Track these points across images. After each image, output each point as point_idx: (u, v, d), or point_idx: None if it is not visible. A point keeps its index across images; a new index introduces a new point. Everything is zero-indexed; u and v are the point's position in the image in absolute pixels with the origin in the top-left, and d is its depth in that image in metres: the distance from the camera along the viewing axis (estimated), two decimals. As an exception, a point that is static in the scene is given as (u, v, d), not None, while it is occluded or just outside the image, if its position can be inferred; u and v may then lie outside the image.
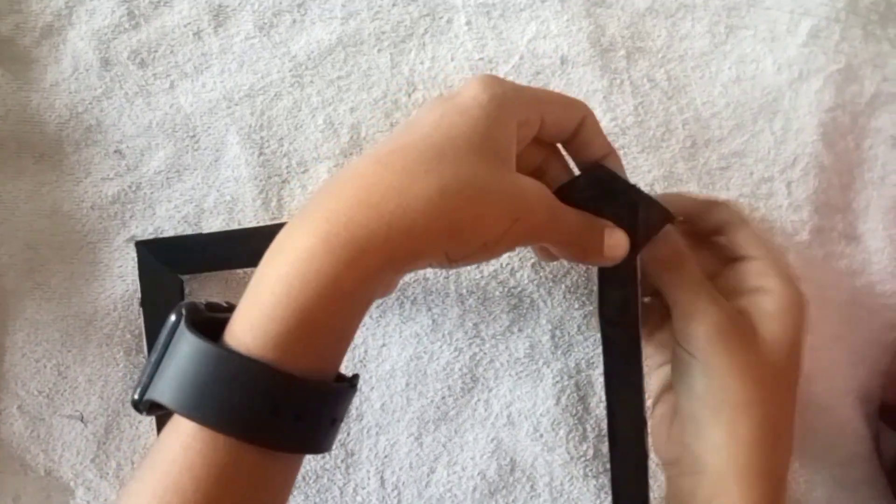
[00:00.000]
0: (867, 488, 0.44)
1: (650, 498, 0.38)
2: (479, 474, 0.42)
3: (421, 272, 0.42)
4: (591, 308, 0.43)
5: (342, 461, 0.42)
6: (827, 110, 0.44)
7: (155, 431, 0.41)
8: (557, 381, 0.43)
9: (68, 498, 0.41)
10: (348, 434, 0.42)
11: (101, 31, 0.42)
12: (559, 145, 0.37)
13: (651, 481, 0.38)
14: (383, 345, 0.43)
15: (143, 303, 0.41)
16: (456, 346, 0.42)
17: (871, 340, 0.45)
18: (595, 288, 0.42)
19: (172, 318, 0.28)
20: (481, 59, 0.43)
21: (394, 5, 0.43)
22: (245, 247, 0.40)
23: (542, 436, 0.42)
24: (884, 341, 0.45)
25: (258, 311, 0.27)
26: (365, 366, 0.42)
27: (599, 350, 0.42)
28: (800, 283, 0.37)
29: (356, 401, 0.42)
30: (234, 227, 0.42)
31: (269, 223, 0.42)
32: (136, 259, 0.41)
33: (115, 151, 0.42)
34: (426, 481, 0.42)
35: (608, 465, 0.41)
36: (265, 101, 0.42)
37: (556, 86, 0.43)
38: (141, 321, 0.41)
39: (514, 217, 0.30)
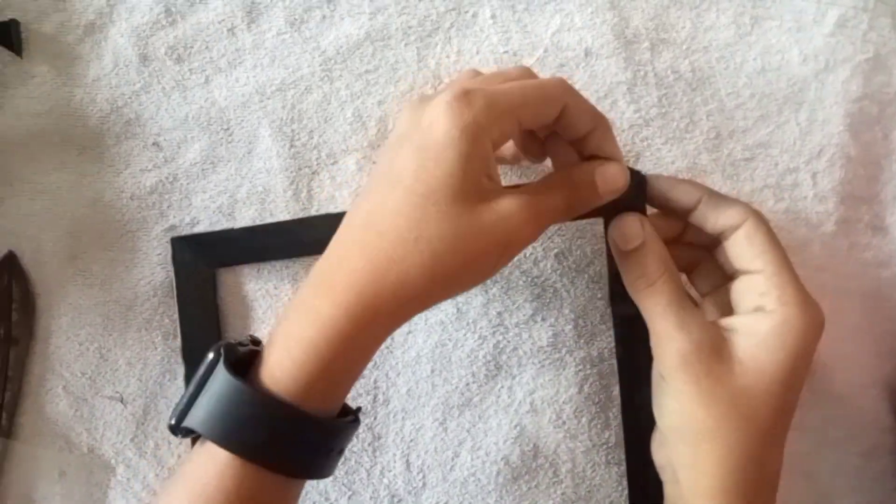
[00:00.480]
0: (891, 479, 0.44)
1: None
2: (502, 459, 0.43)
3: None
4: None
5: (369, 444, 0.43)
6: (854, 100, 0.44)
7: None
8: (580, 370, 0.43)
9: (109, 475, 0.43)
10: (375, 418, 0.44)
11: (140, 27, 0.43)
12: None
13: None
14: (409, 332, 0.44)
15: (178, 295, 0.43)
16: (480, 333, 0.43)
17: (895, 332, 0.44)
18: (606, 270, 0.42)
19: (210, 355, 0.32)
20: (506, 52, 0.44)
21: (420, 0, 0.44)
22: (273, 240, 0.43)
23: (564, 423, 0.43)
24: (909, 333, 0.44)
25: (290, 363, 0.31)
26: (392, 352, 0.44)
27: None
28: (810, 303, 0.35)
29: (383, 386, 0.43)
30: (266, 216, 0.44)
31: (298, 215, 0.43)
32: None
33: (153, 144, 0.44)
34: (451, 465, 0.43)
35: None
36: (296, 94, 0.44)
37: (580, 78, 0.43)
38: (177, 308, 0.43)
39: (502, 247, 0.33)
